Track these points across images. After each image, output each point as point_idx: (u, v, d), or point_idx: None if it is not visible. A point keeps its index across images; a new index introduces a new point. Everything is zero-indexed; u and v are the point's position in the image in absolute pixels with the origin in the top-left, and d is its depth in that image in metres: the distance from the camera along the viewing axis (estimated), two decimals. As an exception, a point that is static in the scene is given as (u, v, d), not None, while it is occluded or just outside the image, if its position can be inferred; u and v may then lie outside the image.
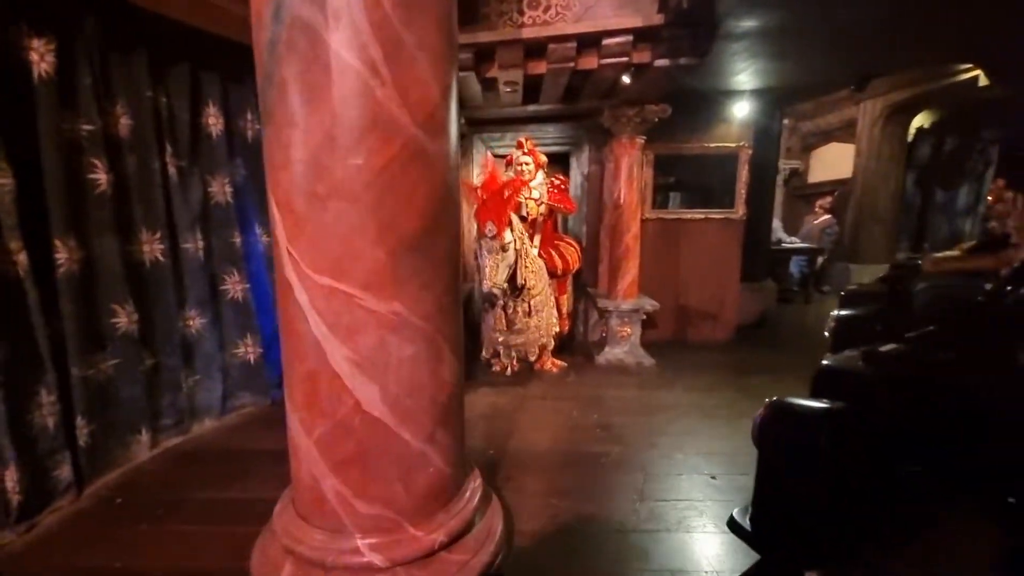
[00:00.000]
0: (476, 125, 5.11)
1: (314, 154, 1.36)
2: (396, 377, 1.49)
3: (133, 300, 2.78)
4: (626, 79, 3.56)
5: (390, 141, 1.37)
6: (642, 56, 3.22)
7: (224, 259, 3.31)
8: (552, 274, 4.25)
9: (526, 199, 4.05)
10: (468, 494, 1.78)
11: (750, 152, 5.21)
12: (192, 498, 2.52)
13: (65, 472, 2.45)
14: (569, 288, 4.69)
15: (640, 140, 4.55)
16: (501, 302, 3.86)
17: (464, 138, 5.13)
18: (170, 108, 2.97)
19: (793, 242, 7.96)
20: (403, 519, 1.56)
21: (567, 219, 5.22)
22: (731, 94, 4.88)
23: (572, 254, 4.45)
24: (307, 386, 1.51)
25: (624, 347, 4.72)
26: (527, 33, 3.12)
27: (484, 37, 3.14)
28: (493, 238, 3.46)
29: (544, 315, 4.13)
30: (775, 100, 5.25)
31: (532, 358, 4.28)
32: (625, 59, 3.20)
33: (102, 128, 2.59)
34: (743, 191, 5.30)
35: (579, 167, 5.27)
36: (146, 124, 2.82)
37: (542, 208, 4.19)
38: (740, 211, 5.32)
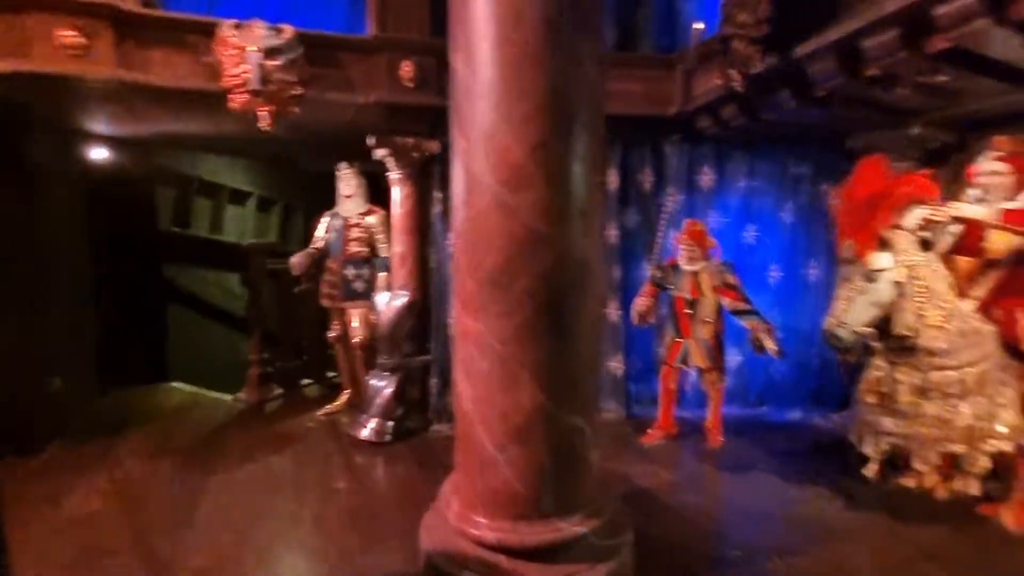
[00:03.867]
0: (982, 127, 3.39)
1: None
2: (475, 383, 1.86)
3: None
4: None
5: (475, 200, 1.79)
6: None
7: (607, 288, 4.09)
8: (1014, 350, 2.50)
9: (942, 217, 2.54)
10: (554, 528, 1.81)
11: None
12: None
13: (613, 405, 4.08)
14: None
15: None
16: (854, 358, 2.73)
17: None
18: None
19: None
20: (470, 506, 1.89)
21: None
22: None
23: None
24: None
25: None
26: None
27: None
28: (852, 262, 2.54)
29: (967, 406, 2.47)
30: None
31: (936, 476, 2.70)
32: None
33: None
34: None
35: None
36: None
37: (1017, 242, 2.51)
38: None
